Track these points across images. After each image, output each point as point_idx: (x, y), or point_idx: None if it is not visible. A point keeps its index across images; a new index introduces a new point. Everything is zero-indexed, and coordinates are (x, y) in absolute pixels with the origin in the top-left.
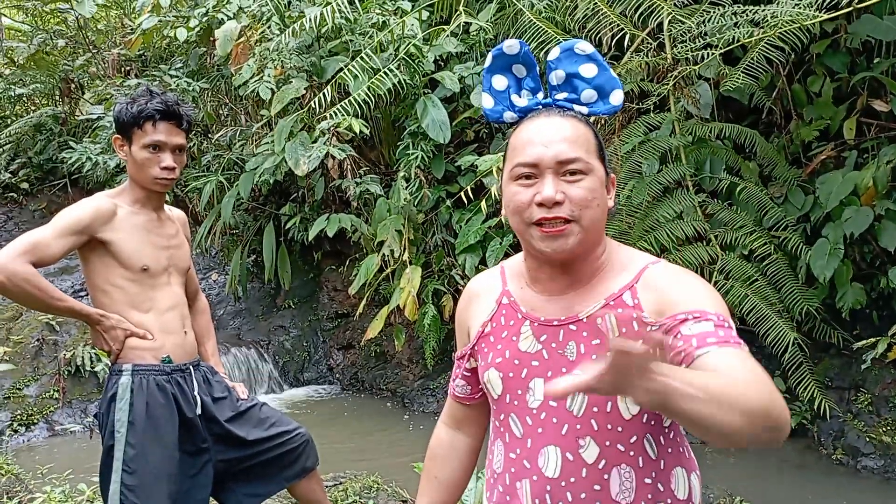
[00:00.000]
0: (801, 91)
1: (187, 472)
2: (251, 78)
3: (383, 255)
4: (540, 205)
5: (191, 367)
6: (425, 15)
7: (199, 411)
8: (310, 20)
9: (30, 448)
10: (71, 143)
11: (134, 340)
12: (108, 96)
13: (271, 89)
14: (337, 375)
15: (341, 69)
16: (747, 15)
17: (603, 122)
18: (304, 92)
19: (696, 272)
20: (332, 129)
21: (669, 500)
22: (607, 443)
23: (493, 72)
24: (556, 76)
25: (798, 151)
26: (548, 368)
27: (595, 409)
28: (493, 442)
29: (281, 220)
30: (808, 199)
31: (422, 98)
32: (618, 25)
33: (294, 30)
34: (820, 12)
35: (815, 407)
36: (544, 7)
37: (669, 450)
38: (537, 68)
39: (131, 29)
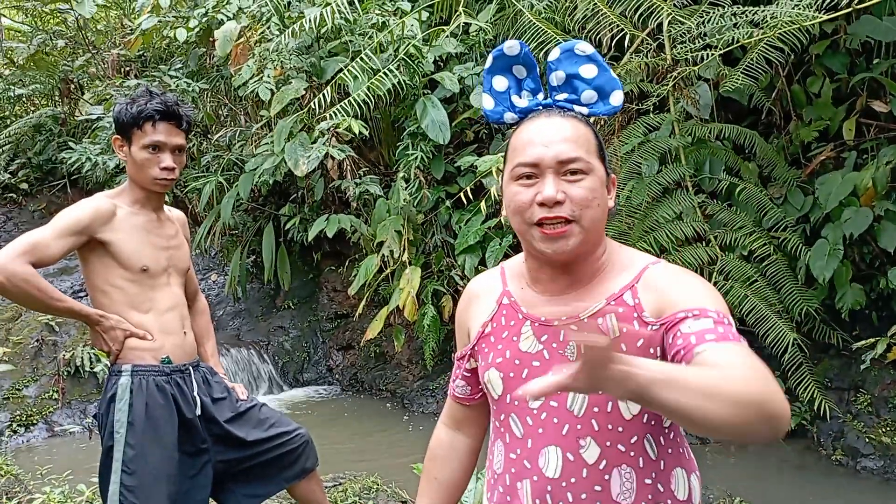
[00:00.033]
0: (800, 92)
1: (187, 472)
2: (251, 78)
3: (383, 255)
4: (541, 204)
5: (190, 368)
6: (425, 15)
7: (198, 412)
8: (309, 21)
9: (29, 449)
10: (70, 143)
11: (133, 341)
12: (108, 97)
13: (271, 90)
14: (336, 376)
15: (341, 70)
16: (747, 16)
17: (602, 122)
18: (304, 92)
19: (696, 273)
20: (331, 129)
21: (669, 501)
22: (608, 443)
23: (494, 73)
24: (556, 77)
25: (797, 152)
26: (548, 369)
27: (596, 410)
28: (493, 442)
29: (280, 220)
30: (808, 200)
31: (421, 99)
32: (617, 26)
33: (294, 30)
34: (819, 13)
35: (816, 407)
36: (544, 8)
37: (669, 450)
38: (537, 69)
39: (131, 29)
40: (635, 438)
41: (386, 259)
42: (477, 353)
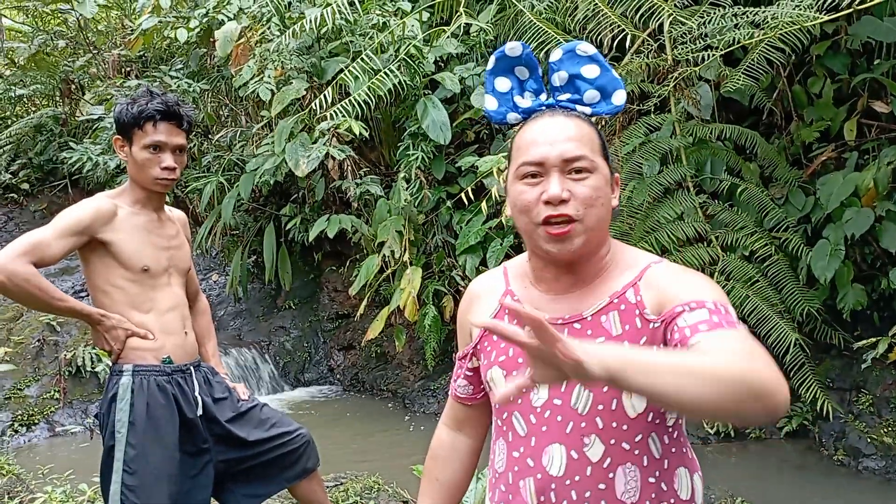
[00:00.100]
0: (801, 92)
1: (188, 472)
2: (251, 79)
3: (384, 255)
4: (547, 203)
5: (191, 368)
6: (426, 16)
7: (199, 412)
8: (310, 21)
9: (31, 448)
10: (71, 143)
11: (135, 341)
12: (109, 97)
13: (271, 90)
14: (337, 376)
15: (342, 70)
16: (748, 16)
17: (603, 123)
18: (305, 93)
19: None
20: (331, 130)
21: (673, 500)
22: (612, 441)
23: (496, 74)
24: (558, 77)
25: (799, 152)
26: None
27: (600, 407)
28: (494, 441)
29: (281, 220)
30: (809, 201)
31: (422, 99)
32: (618, 26)
33: (294, 31)
34: (820, 14)
35: (818, 407)
36: (545, 8)
37: (673, 449)
38: (539, 70)
39: (132, 30)
40: (640, 437)
41: (387, 259)
42: (479, 352)
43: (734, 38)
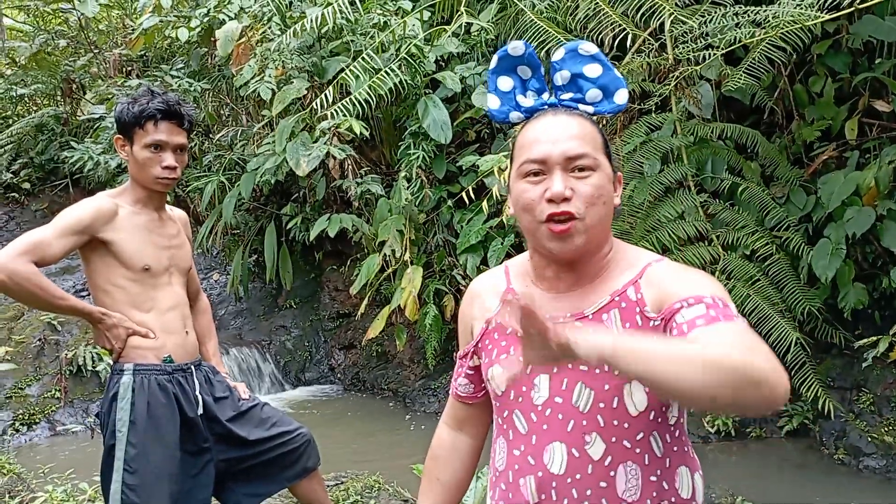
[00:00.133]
0: (802, 91)
1: (189, 471)
2: (252, 78)
3: (384, 255)
4: (549, 201)
5: (192, 367)
6: (426, 15)
7: (200, 411)
8: (311, 20)
9: (31, 447)
10: (72, 143)
11: (136, 340)
12: (110, 96)
13: (272, 90)
14: (338, 375)
15: (343, 69)
16: (749, 15)
17: (604, 122)
18: (306, 92)
19: None
20: (332, 129)
21: (673, 499)
22: (613, 439)
23: (499, 73)
24: (560, 76)
25: (800, 152)
26: (553, 365)
27: (601, 405)
28: (495, 440)
29: (282, 220)
30: (810, 200)
31: (423, 98)
32: (619, 26)
33: (295, 30)
34: (821, 13)
35: (820, 406)
36: (546, 7)
37: (675, 448)
38: (542, 69)
39: (133, 29)
40: (641, 435)
41: (388, 258)
42: (480, 350)
43: (735, 37)
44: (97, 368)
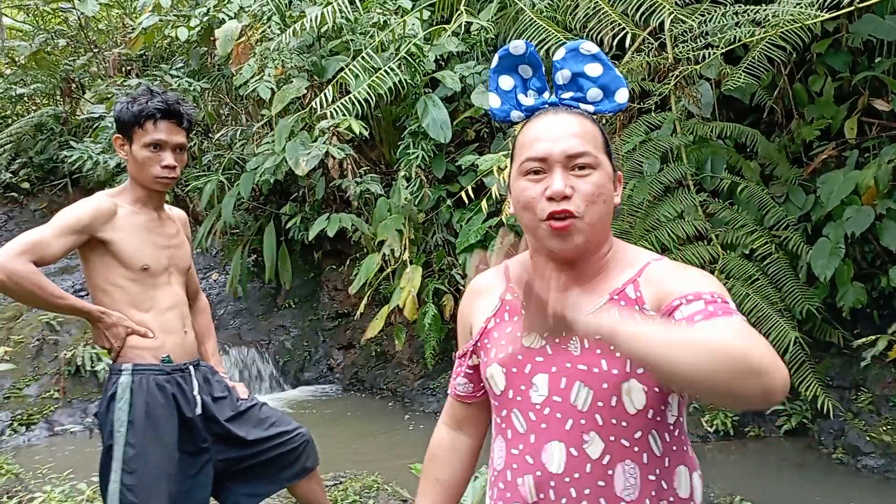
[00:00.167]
0: (802, 90)
1: (187, 471)
2: (252, 77)
3: (384, 254)
4: (550, 199)
5: (191, 367)
6: (426, 14)
7: (199, 411)
8: (310, 20)
9: (30, 448)
10: (72, 142)
11: (134, 340)
12: (109, 96)
13: (272, 89)
14: (337, 375)
15: (342, 69)
16: (748, 14)
17: (604, 121)
18: (305, 91)
19: None
20: (332, 128)
21: (672, 498)
22: (612, 438)
23: (500, 72)
24: (561, 76)
25: (799, 151)
26: (552, 364)
27: (600, 404)
28: (494, 439)
29: (281, 219)
30: (809, 199)
31: (422, 97)
32: (619, 25)
33: (295, 29)
34: (821, 12)
35: (818, 406)
36: (545, 6)
37: (674, 447)
38: (543, 68)
39: (132, 28)
40: (639, 434)
41: (387, 258)
42: (479, 350)
43: (735, 37)
44: (96, 368)
